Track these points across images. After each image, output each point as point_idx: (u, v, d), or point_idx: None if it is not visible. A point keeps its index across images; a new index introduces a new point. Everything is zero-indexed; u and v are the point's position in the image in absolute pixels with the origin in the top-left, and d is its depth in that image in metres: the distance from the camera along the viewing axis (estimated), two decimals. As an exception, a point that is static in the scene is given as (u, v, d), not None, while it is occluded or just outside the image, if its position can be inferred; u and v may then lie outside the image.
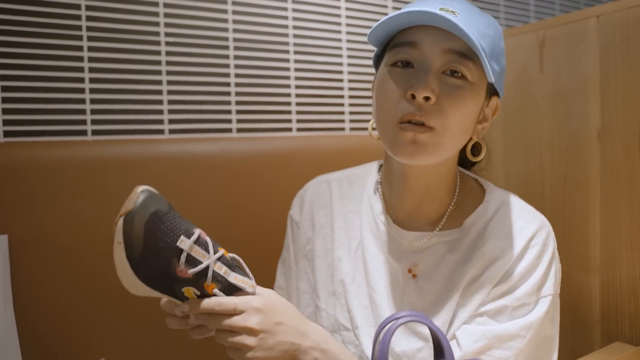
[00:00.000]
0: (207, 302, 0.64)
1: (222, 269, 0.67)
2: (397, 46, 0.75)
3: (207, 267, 0.66)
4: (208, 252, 0.67)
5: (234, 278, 0.68)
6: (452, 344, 0.74)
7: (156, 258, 0.65)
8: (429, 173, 0.80)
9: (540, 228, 0.78)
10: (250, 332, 0.64)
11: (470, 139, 0.80)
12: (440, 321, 0.77)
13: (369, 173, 0.93)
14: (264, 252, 1.20)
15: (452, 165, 0.82)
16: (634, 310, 1.00)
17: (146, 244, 0.65)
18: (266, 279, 1.07)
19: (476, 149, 0.83)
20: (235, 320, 0.64)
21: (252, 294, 0.67)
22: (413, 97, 0.71)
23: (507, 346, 0.72)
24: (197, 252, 0.67)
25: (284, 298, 0.69)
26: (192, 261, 0.66)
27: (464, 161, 0.87)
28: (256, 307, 0.65)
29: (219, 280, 0.67)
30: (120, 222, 0.65)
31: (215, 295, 0.66)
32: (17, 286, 0.96)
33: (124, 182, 1.08)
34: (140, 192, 0.66)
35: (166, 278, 0.66)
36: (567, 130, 1.12)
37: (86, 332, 1.02)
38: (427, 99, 0.71)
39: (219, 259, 0.67)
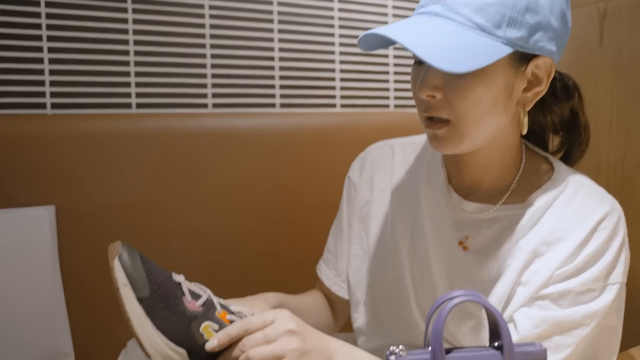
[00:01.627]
0: (235, 326, 0.62)
1: (220, 299, 0.64)
2: None
3: (210, 297, 0.63)
4: (197, 285, 0.64)
5: (233, 307, 0.65)
6: (509, 326, 0.71)
7: (166, 293, 0.60)
8: (479, 149, 0.77)
9: (611, 212, 0.73)
10: (291, 333, 0.62)
11: (521, 110, 0.75)
12: (495, 298, 0.74)
13: None
14: (306, 228, 1.19)
15: (505, 139, 0.77)
16: (695, 299, 0.95)
17: (150, 278, 0.59)
18: (308, 254, 1.05)
19: (522, 122, 0.78)
20: (274, 328, 0.62)
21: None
22: None
23: (570, 334, 0.69)
24: (193, 286, 0.63)
25: None
26: (193, 294, 0.62)
27: (540, 134, 0.85)
28: (285, 314, 0.64)
29: (226, 308, 0.63)
30: (116, 262, 0.59)
31: (230, 323, 0.62)
32: (64, 255, 0.98)
33: (167, 155, 1.08)
34: (116, 242, 0.61)
35: (181, 317, 0.60)
36: (627, 108, 1.06)
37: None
38: (433, 96, 0.71)
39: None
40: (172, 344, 0.59)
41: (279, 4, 1.26)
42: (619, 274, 0.71)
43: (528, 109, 0.75)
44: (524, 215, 0.76)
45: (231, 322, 0.62)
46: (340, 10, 1.33)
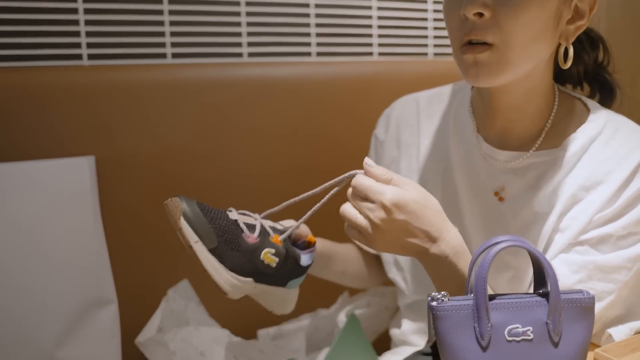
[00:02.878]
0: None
1: (268, 222, 0.72)
2: None
3: (262, 225, 0.71)
4: (247, 214, 0.72)
5: (282, 226, 0.74)
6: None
7: (230, 237, 0.67)
8: (514, 88, 0.73)
9: None
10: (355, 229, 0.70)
11: (560, 43, 0.72)
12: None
13: (461, 90, 0.87)
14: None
15: (541, 77, 0.74)
16: None
17: (215, 228, 0.67)
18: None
19: (568, 54, 0.74)
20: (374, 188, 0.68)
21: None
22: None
23: (611, 278, 0.67)
24: (245, 217, 0.71)
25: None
26: (249, 226, 0.70)
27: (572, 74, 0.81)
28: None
29: (276, 230, 0.72)
30: (183, 222, 0.65)
31: (282, 243, 0.71)
32: (104, 204, 0.99)
33: (203, 105, 1.08)
34: (173, 197, 0.67)
35: (245, 253, 0.68)
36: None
37: (169, 244, 1.04)
38: (480, 15, 0.66)
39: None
40: (242, 277, 0.69)
41: (314, -53, 1.22)
42: None
43: (570, 42, 0.72)
44: (560, 160, 0.73)
45: (282, 241, 0.72)
46: (378, -47, 1.28)
